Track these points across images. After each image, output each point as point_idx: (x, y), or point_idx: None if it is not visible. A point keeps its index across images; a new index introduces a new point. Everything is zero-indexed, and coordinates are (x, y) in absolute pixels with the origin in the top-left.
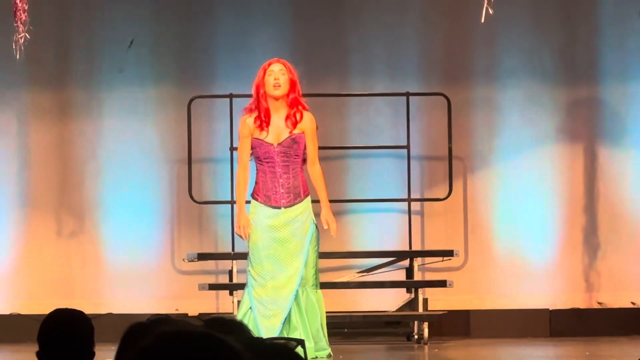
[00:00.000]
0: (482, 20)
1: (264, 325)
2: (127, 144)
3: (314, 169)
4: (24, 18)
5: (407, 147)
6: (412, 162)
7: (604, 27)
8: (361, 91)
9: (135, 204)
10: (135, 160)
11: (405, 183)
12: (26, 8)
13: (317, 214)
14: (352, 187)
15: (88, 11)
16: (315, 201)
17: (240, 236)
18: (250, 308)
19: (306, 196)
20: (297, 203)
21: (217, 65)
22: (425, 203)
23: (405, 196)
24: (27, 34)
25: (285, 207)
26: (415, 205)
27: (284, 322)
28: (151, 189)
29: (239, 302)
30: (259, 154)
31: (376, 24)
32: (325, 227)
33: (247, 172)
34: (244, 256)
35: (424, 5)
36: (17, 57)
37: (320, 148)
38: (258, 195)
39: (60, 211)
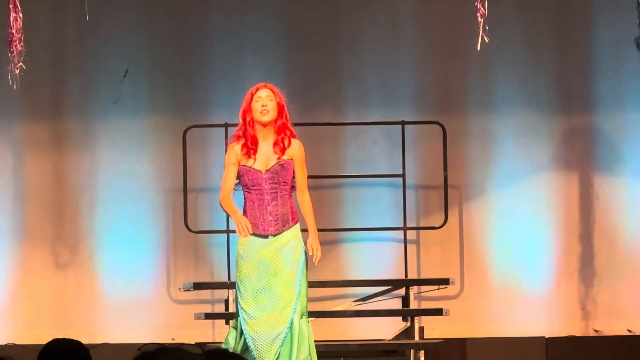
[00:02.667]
0: (478, 49)
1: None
2: (123, 174)
3: (303, 197)
4: (19, 48)
5: (403, 175)
6: (407, 190)
7: (598, 55)
8: (356, 120)
9: (131, 234)
10: (131, 190)
11: (400, 212)
12: (22, 38)
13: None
14: (348, 215)
15: (83, 42)
16: (304, 230)
17: (240, 232)
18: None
19: (295, 223)
20: (285, 230)
21: (212, 94)
22: (421, 231)
23: (401, 225)
24: (22, 65)
25: (274, 235)
26: (411, 234)
27: (276, 355)
28: (147, 218)
29: None
30: (247, 181)
31: (371, 53)
32: (310, 253)
33: (231, 195)
34: None
35: (419, 34)
36: (14, 87)
37: (315, 177)
38: None
39: (55, 241)
